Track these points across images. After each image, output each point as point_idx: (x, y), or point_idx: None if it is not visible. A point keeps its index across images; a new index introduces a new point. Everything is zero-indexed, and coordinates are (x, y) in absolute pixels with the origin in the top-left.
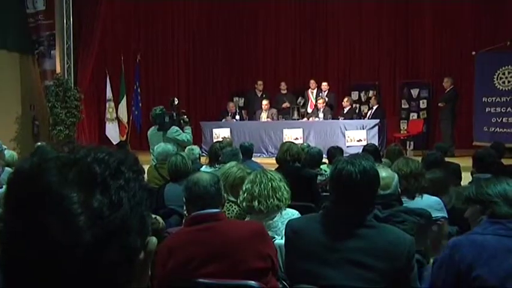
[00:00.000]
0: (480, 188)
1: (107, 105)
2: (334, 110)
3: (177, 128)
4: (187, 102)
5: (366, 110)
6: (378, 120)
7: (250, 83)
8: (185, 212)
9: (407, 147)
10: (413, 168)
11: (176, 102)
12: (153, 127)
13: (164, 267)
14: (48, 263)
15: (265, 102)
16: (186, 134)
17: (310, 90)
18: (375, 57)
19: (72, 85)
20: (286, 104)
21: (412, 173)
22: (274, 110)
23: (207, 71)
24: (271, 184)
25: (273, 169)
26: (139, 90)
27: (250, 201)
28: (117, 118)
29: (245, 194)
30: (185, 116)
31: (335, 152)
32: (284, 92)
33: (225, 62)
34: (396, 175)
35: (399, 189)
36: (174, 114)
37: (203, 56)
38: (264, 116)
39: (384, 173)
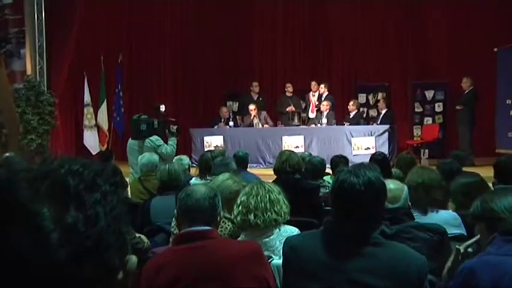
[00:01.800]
0: (484, 203)
1: (85, 111)
2: (336, 115)
3: (157, 137)
4: (175, 107)
5: (374, 114)
6: (387, 126)
7: (245, 85)
8: (172, 229)
9: (421, 155)
10: (425, 179)
11: (162, 109)
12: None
13: None
14: (18, 284)
15: (251, 106)
16: (167, 146)
17: (311, 93)
18: (384, 54)
19: (45, 88)
20: (291, 108)
21: (424, 184)
22: (264, 113)
23: (197, 72)
24: (269, 196)
25: (271, 181)
26: (121, 93)
27: (245, 215)
28: (97, 125)
29: (240, 207)
30: (174, 126)
31: (339, 162)
32: (290, 94)
33: (217, 62)
34: (406, 187)
35: (409, 203)
36: (156, 122)
37: (193, 55)
38: (257, 123)
39: (391, 184)
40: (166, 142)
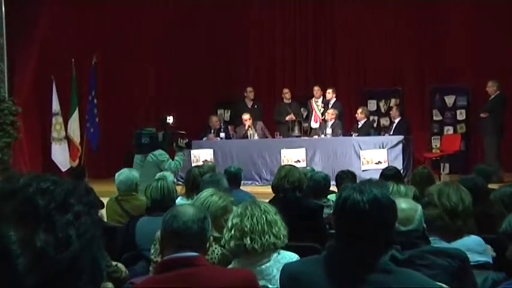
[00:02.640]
0: None
1: (53, 121)
2: (343, 124)
3: (161, 152)
4: (159, 115)
5: (386, 124)
6: (401, 137)
7: (238, 90)
8: (152, 256)
9: (441, 170)
10: (455, 201)
11: (169, 121)
12: None
13: None
14: None
15: (246, 115)
16: (172, 162)
17: (314, 99)
18: (397, 55)
19: (6, 95)
20: (290, 117)
21: (456, 211)
22: (261, 123)
23: (183, 76)
24: (266, 217)
25: (267, 200)
26: (95, 100)
27: (240, 239)
28: (67, 137)
29: (232, 231)
30: (181, 140)
31: (346, 178)
32: (288, 101)
33: (207, 64)
34: (420, 206)
35: (424, 224)
36: (161, 134)
37: (179, 57)
38: (252, 134)
39: (403, 203)
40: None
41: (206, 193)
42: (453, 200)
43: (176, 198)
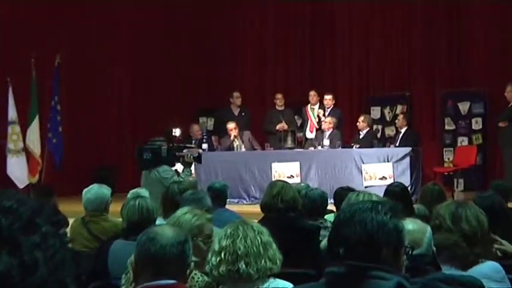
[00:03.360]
0: None
1: (9, 131)
2: (342, 134)
3: (165, 168)
4: (133, 124)
5: (391, 134)
6: (409, 149)
7: (223, 95)
8: (123, 287)
9: (455, 187)
10: (473, 225)
11: (175, 133)
12: None
13: None
14: None
15: (231, 124)
16: (177, 179)
17: (310, 106)
18: (405, 56)
19: None
20: (282, 126)
21: (473, 235)
22: (248, 133)
23: (161, 80)
24: (261, 239)
25: (256, 221)
26: (58, 107)
27: (232, 264)
28: (25, 149)
29: (222, 255)
30: (189, 155)
31: (345, 195)
32: (280, 107)
33: (187, 67)
34: (428, 228)
35: (433, 248)
36: (165, 149)
37: (156, 58)
38: (239, 145)
39: (410, 224)
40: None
41: (180, 211)
42: (471, 225)
43: (156, 219)
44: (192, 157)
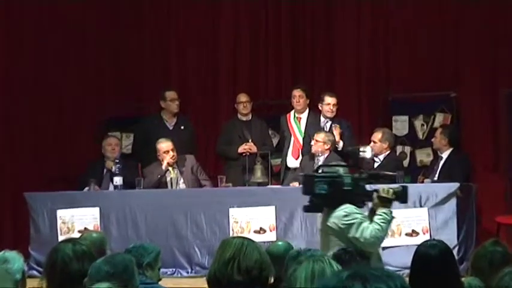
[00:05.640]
0: None
1: None
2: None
3: (348, 208)
4: (3, 141)
5: (426, 159)
6: (456, 185)
7: (149, 97)
8: None
9: None
10: None
11: (366, 154)
12: None
13: None
14: None
15: (163, 144)
16: (370, 226)
17: (293, 113)
18: (448, 38)
19: None
20: (248, 147)
21: None
22: (192, 159)
23: (47, 77)
24: None
25: None
26: None
27: None
28: None
29: None
30: (388, 189)
31: (348, 262)
32: (245, 117)
33: (91, 53)
34: None
35: None
36: (348, 177)
37: (41, 49)
38: (175, 178)
39: None
40: None
41: None
42: None
43: None
44: (393, 192)
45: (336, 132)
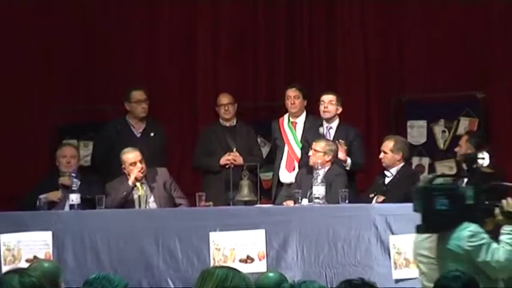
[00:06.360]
0: None
1: None
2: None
3: (474, 229)
4: None
5: (446, 173)
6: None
7: (113, 97)
8: None
9: None
10: None
11: (482, 160)
12: None
13: None
14: None
15: (130, 155)
16: (501, 249)
17: (287, 118)
18: (475, 30)
19: None
20: (232, 157)
21: None
22: (164, 173)
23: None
24: None
25: None
26: None
27: None
28: None
29: None
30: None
31: None
32: (229, 122)
33: (47, 46)
34: None
35: None
36: (470, 190)
37: None
38: (144, 196)
39: None
40: None
41: None
42: None
43: None
44: None
45: (341, 148)
